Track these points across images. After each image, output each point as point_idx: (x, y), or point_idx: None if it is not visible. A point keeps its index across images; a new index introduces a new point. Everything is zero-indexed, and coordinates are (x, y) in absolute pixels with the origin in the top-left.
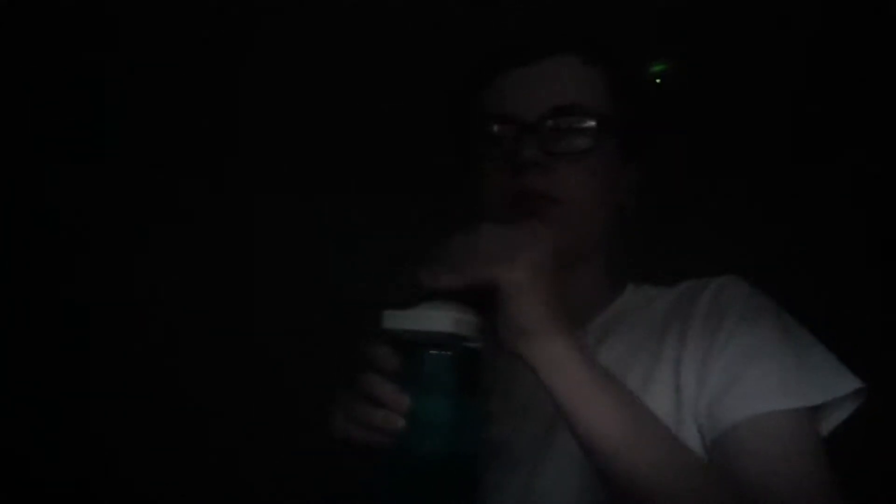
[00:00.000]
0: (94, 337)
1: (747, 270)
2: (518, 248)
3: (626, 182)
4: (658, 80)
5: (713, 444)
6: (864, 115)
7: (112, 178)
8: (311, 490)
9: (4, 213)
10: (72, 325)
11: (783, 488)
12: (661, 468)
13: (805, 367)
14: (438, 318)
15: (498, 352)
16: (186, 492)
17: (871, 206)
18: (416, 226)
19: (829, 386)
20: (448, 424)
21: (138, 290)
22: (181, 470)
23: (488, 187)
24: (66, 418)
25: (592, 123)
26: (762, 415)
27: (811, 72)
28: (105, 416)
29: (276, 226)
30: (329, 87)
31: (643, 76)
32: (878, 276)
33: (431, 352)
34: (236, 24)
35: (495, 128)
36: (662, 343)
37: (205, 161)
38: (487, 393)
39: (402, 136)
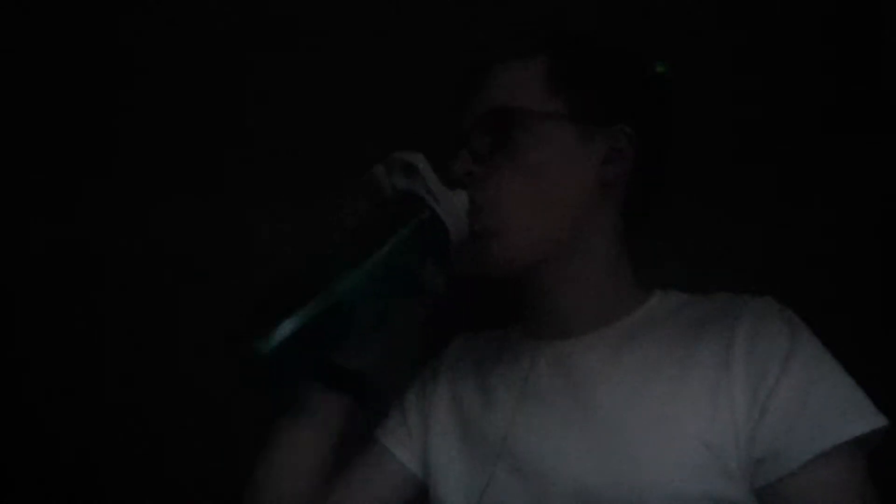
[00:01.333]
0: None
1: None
2: None
3: (600, 155)
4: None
5: (777, 482)
6: (865, 117)
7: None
8: None
9: None
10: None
11: None
12: None
13: (857, 392)
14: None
15: (519, 350)
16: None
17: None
18: None
19: (875, 412)
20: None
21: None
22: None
23: None
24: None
25: (521, 121)
26: (829, 451)
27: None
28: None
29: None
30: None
31: (604, 50)
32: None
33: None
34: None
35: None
36: (700, 348)
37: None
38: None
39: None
